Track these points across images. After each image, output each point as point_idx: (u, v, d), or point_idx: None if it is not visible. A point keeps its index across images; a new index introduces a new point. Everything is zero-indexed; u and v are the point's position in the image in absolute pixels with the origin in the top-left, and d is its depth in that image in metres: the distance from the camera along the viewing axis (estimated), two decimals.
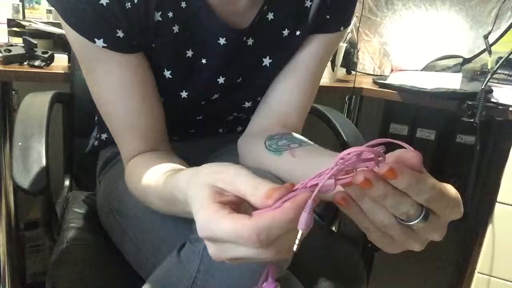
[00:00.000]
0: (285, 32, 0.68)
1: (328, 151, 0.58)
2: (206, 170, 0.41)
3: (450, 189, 0.36)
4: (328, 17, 0.68)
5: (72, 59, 1.02)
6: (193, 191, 0.40)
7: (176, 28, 0.61)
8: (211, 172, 0.40)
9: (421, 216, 0.35)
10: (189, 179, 0.42)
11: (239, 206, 0.37)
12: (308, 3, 0.67)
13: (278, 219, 0.33)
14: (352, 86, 1.35)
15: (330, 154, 0.56)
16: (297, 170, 0.58)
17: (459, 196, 0.36)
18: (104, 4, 0.53)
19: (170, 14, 0.60)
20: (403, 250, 0.38)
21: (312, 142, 0.62)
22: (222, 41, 0.64)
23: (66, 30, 0.56)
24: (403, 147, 0.36)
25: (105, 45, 0.56)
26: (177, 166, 0.57)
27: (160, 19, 0.60)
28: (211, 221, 0.35)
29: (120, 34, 0.56)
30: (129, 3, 0.55)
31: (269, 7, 0.66)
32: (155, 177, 0.54)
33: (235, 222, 0.33)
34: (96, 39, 0.55)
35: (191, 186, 0.41)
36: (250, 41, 0.67)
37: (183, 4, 0.60)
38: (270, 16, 0.67)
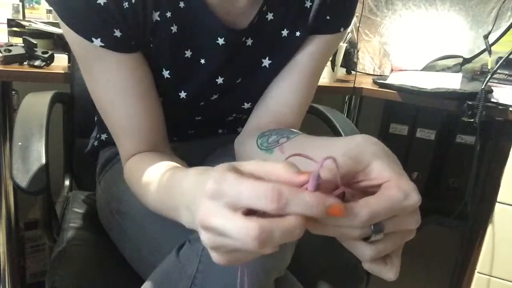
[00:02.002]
0: (285, 33, 0.68)
1: (312, 138, 0.56)
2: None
3: (392, 192, 0.35)
4: (328, 18, 0.68)
5: (72, 59, 1.02)
6: (205, 176, 0.38)
7: (174, 28, 0.61)
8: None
9: (372, 232, 0.35)
10: (199, 172, 0.41)
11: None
12: (308, 4, 0.67)
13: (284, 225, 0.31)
14: (352, 86, 1.34)
15: (312, 143, 0.54)
16: None
17: (406, 191, 0.35)
18: (102, 4, 0.53)
19: (168, 14, 0.60)
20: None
21: (300, 133, 0.61)
22: (221, 41, 0.64)
23: (64, 30, 0.56)
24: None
25: (103, 44, 0.56)
26: (177, 164, 0.57)
27: (158, 18, 0.59)
28: (225, 179, 0.33)
29: (117, 33, 0.56)
30: (126, 3, 0.55)
31: (268, 7, 0.66)
32: (156, 175, 0.54)
33: (254, 181, 0.32)
34: (93, 39, 0.55)
35: (204, 175, 0.39)
36: (249, 42, 0.67)
37: (182, 4, 0.60)
38: (270, 16, 0.67)
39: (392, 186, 0.35)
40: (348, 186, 0.37)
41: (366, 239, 0.36)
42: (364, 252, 0.36)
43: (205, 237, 0.34)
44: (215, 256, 0.35)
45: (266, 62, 0.70)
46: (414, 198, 0.35)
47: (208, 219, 0.33)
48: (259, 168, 0.35)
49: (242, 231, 0.31)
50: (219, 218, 0.33)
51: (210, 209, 0.33)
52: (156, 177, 0.54)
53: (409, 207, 0.35)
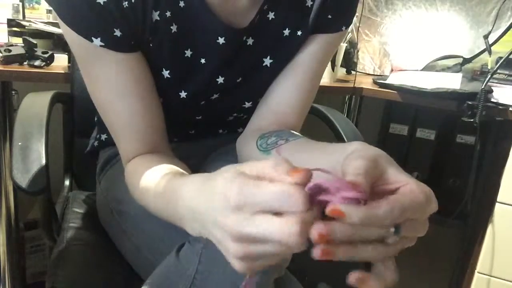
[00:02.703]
0: (286, 32, 0.68)
1: (312, 143, 0.56)
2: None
3: (415, 193, 0.35)
4: (329, 17, 0.68)
5: (72, 59, 1.02)
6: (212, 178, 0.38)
7: (174, 28, 0.61)
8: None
9: (392, 232, 0.35)
10: (205, 177, 0.41)
11: None
12: (309, 3, 0.67)
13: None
14: (352, 86, 1.34)
15: (312, 148, 0.55)
16: None
17: (424, 191, 0.36)
18: (102, 3, 0.53)
19: (168, 14, 0.60)
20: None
21: (300, 135, 0.61)
22: (221, 40, 0.64)
23: (63, 30, 0.56)
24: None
25: (103, 44, 0.56)
26: (176, 168, 0.57)
27: (158, 18, 0.59)
28: (249, 185, 0.33)
29: (117, 33, 0.56)
30: (126, 2, 0.55)
31: (269, 6, 0.65)
32: (155, 180, 0.54)
33: (281, 184, 0.33)
34: (93, 38, 0.55)
35: (210, 179, 0.39)
36: (250, 41, 0.67)
37: (181, 4, 0.60)
38: (271, 15, 0.67)
39: (414, 189, 0.36)
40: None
41: (380, 241, 0.36)
42: (381, 253, 0.36)
43: (237, 248, 0.35)
44: (240, 265, 0.36)
45: (267, 61, 0.70)
46: (435, 203, 0.36)
47: (242, 229, 0.34)
48: (254, 169, 0.35)
49: (284, 230, 0.32)
50: (254, 226, 0.33)
51: (240, 220, 0.34)
52: (153, 183, 0.54)
53: (429, 211, 0.36)
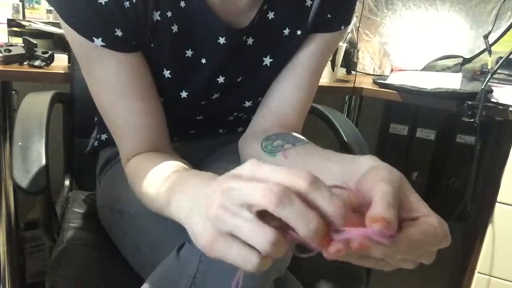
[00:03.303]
0: (286, 32, 0.68)
1: (321, 151, 0.57)
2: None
3: (435, 229, 0.36)
4: (329, 16, 0.68)
5: (72, 59, 1.02)
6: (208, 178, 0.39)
7: (175, 28, 0.61)
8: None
9: None
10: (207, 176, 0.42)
11: None
12: (308, 2, 0.67)
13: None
14: (352, 86, 1.34)
15: (321, 156, 0.55)
16: None
17: (443, 228, 0.37)
18: (103, 3, 0.53)
19: (169, 14, 0.60)
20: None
21: (307, 141, 0.61)
22: (222, 40, 0.64)
23: (65, 30, 0.56)
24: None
25: (104, 44, 0.56)
26: (180, 164, 0.57)
27: (159, 18, 0.59)
28: (261, 164, 0.35)
29: (118, 33, 0.56)
30: (127, 2, 0.55)
31: (269, 6, 0.66)
32: (157, 176, 0.54)
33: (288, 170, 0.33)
34: (94, 38, 0.55)
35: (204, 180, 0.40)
36: (250, 41, 0.67)
37: (182, 4, 0.60)
38: (271, 15, 0.67)
39: (436, 224, 0.36)
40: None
41: None
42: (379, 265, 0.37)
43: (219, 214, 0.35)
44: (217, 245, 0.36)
45: (267, 60, 0.70)
46: (448, 240, 0.37)
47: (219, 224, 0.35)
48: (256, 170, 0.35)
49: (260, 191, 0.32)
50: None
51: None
52: (157, 178, 0.54)
53: (443, 245, 0.37)
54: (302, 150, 0.58)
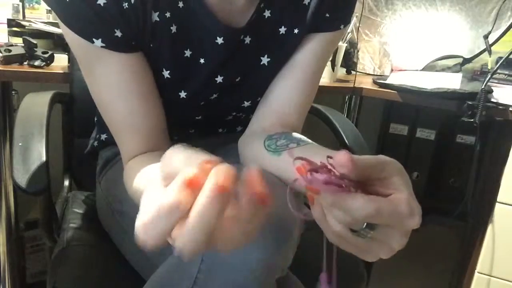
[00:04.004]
0: (282, 30, 0.68)
1: (325, 149, 0.57)
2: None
3: (399, 202, 0.36)
4: (327, 15, 0.68)
5: (72, 59, 1.02)
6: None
7: (174, 28, 0.61)
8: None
9: (364, 226, 0.37)
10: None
11: None
12: (306, 1, 0.67)
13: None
14: (352, 86, 1.34)
15: (325, 154, 0.55)
16: (293, 172, 0.57)
17: (409, 205, 0.37)
18: (102, 5, 0.53)
19: (168, 14, 0.60)
20: (374, 258, 0.40)
21: (310, 141, 0.61)
22: (220, 40, 0.64)
23: (64, 31, 0.56)
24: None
25: (104, 45, 0.56)
26: None
27: (158, 19, 0.60)
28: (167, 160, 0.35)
29: (118, 33, 0.56)
30: (126, 3, 0.55)
31: (266, 4, 0.66)
32: (146, 180, 0.54)
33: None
34: (94, 39, 0.55)
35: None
36: (247, 40, 0.67)
37: (181, 4, 0.60)
38: (267, 13, 0.67)
39: (402, 199, 0.37)
40: (360, 185, 0.38)
41: (352, 231, 0.37)
42: (342, 237, 0.38)
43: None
44: None
45: (265, 60, 0.70)
46: (416, 220, 0.37)
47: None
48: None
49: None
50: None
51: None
52: (143, 184, 0.54)
53: (407, 225, 0.37)
54: (307, 148, 0.58)
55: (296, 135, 0.64)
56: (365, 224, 0.37)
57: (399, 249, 0.38)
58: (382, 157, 0.39)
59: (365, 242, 0.38)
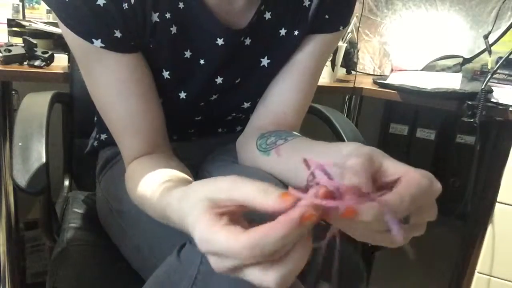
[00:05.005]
0: (283, 32, 0.68)
1: (312, 141, 0.57)
2: (197, 186, 0.40)
3: (418, 179, 0.36)
4: (327, 17, 0.68)
5: (72, 59, 1.02)
6: (187, 209, 0.39)
7: (173, 29, 0.61)
8: (203, 185, 0.39)
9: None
10: (181, 199, 0.42)
11: (238, 217, 0.37)
12: (306, 3, 0.67)
13: (273, 234, 0.31)
14: (352, 86, 1.34)
15: (310, 142, 0.56)
16: (286, 170, 0.58)
17: (428, 176, 0.37)
18: (101, 5, 0.53)
19: (168, 15, 0.60)
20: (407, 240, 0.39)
21: (299, 135, 0.61)
22: (220, 41, 0.64)
23: (63, 32, 0.56)
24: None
25: (103, 45, 0.56)
26: (174, 175, 0.56)
27: (158, 20, 0.60)
28: (207, 235, 0.34)
29: (118, 34, 0.56)
30: (126, 4, 0.55)
31: (266, 6, 0.66)
32: (150, 189, 0.54)
33: (228, 236, 0.32)
34: (94, 40, 0.55)
35: (184, 206, 0.40)
36: (247, 41, 0.67)
37: (181, 5, 0.60)
38: (268, 15, 0.67)
39: (415, 175, 0.36)
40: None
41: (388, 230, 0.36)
42: (387, 241, 0.37)
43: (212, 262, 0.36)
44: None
45: (265, 61, 0.70)
46: (438, 183, 0.37)
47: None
48: (235, 195, 0.35)
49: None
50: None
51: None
52: (148, 193, 0.53)
53: (436, 192, 0.37)
54: (293, 143, 0.58)
55: (288, 131, 0.63)
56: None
57: (435, 218, 0.38)
58: (363, 151, 0.39)
59: (412, 231, 0.38)
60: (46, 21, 1.25)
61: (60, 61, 1.08)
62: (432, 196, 0.37)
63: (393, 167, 0.38)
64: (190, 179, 0.56)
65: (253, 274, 0.33)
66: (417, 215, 0.37)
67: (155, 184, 0.53)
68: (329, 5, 0.67)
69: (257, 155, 0.62)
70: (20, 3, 1.24)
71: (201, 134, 0.81)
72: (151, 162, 0.62)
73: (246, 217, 0.37)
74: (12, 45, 1.04)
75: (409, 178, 0.36)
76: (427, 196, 0.36)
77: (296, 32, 0.68)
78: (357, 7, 1.41)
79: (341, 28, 0.70)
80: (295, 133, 0.62)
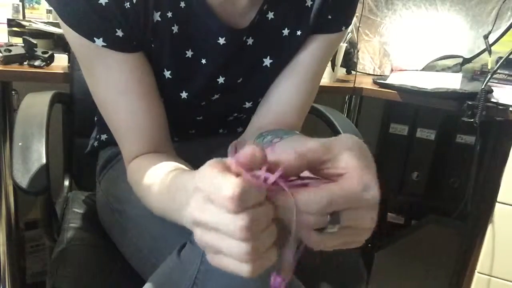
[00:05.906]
0: (285, 32, 0.68)
1: (305, 139, 0.56)
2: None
3: (351, 182, 0.35)
4: (329, 17, 0.68)
5: (72, 59, 1.02)
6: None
7: (175, 28, 0.61)
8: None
9: (328, 222, 0.35)
10: (194, 175, 0.42)
11: None
12: (309, 3, 0.67)
13: (248, 185, 0.32)
14: (352, 86, 1.34)
15: (305, 138, 0.56)
16: None
17: (364, 182, 0.35)
18: (103, 4, 0.53)
19: (169, 14, 0.60)
20: (358, 244, 0.38)
21: (297, 133, 0.61)
22: (221, 41, 0.64)
23: (65, 31, 0.56)
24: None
25: (105, 44, 0.56)
26: (181, 166, 0.57)
27: (159, 19, 0.59)
28: (205, 170, 0.35)
29: (119, 33, 0.56)
30: (128, 3, 0.55)
31: (269, 6, 0.66)
32: (159, 176, 0.54)
33: (223, 173, 0.34)
34: (95, 39, 0.55)
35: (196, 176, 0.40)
36: (250, 41, 0.67)
37: (182, 4, 0.60)
38: (270, 15, 0.67)
39: (353, 177, 0.35)
40: (313, 172, 0.38)
41: (321, 229, 0.36)
42: (317, 241, 0.36)
43: (197, 233, 0.35)
44: (208, 257, 0.36)
45: (267, 61, 0.70)
46: (373, 192, 0.35)
47: (197, 216, 0.34)
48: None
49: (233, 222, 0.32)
50: (206, 213, 0.34)
51: (197, 204, 0.34)
52: (159, 179, 0.54)
53: (366, 200, 0.35)
54: (288, 141, 0.58)
55: (285, 130, 0.63)
56: (328, 216, 0.35)
57: (373, 225, 0.37)
58: (329, 138, 0.38)
59: (337, 235, 0.36)
60: (46, 21, 1.25)
61: (60, 61, 1.08)
62: (361, 203, 0.35)
63: (344, 163, 0.36)
64: None
65: (230, 249, 0.33)
66: (350, 217, 0.35)
67: (165, 171, 0.54)
68: (331, 5, 0.67)
69: None
70: (20, 3, 1.24)
71: (202, 135, 0.81)
72: (157, 157, 0.62)
73: None
74: (12, 45, 1.04)
75: (346, 179, 0.35)
76: (354, 202, 0.35)
77: (298, 32, 0.68)
78: (357, 7, 1.41)
79: (343, 28, 0.70)
80: (291, 131, 0.62)
